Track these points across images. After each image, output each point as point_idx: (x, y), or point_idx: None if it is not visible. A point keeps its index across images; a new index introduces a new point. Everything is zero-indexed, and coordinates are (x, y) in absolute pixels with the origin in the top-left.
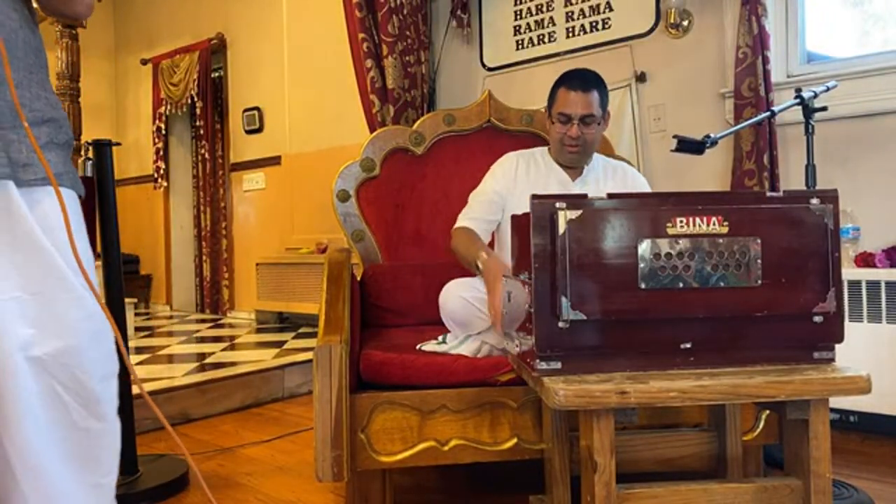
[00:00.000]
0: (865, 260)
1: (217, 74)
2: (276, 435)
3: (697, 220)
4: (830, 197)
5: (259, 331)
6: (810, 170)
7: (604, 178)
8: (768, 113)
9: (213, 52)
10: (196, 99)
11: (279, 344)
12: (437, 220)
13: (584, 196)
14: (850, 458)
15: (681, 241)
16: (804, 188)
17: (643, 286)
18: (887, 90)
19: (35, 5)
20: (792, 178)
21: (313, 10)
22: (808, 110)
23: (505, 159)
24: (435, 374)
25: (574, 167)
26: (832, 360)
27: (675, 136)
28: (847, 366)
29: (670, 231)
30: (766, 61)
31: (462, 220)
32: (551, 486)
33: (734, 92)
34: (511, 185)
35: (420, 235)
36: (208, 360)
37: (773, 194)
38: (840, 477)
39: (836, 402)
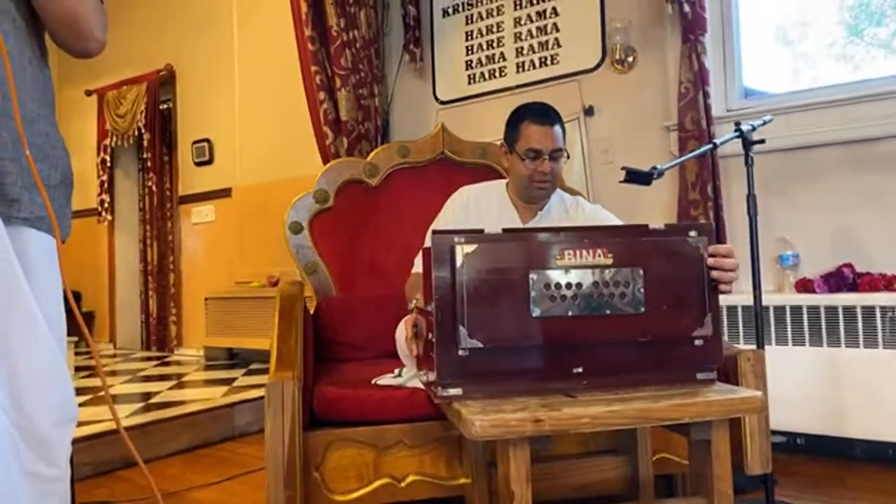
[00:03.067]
0: (805, 286)
1: (165, 106)
2: (226, 476)
3: (584, 252)
4: (706, 230)
5: (208, 368)
6: (751, 199)
7: (559, 221)
8: (710, 145)
9: (162, 84)
10: (143, 131)
11: (229, 381)
12: (392, 251)
13: (481, 231)
14: (798, 480)
15: (570, 273)
16: (746, 217)
17: (535, 314)
18: (816, 124)
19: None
20: (734, 207)
21: (265, 42)
22: (747, 143)
23: (457, 196)
24: (391, 409)
25: (531, 205)
26: (714, 380)
27: (623, 168)
28: (740, 388)
29: (559, 263)
30: (706, 96)
31: (418, 266)
32: None
33: (678, 125)
34: (462, 224)
35: (375, 267)
36: (153, 400)
37: (655, 227)
38: (788, 499)
39: (784, 424)
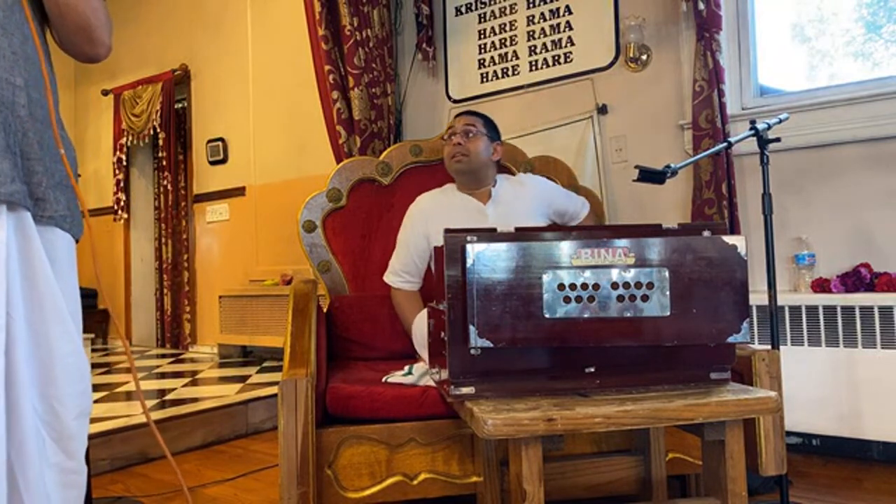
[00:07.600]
0: (821, 286)
1: (181, 105)
2: (240, 473)
3: (602, 251)
4: (720, 229)
5: (222, 365)
6: (766, 198)
7: (513, 196)
8: (725, 144)
9: (177, 83)
10: (159, 130)
11: (243, 378)
12: None
13: (494, 230)
14: (813, 482)
15: (586, 273)
16: (762, 216)
17: (548, 316)
18: (833, 122)
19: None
20: (749, 206)
21: (278, 42)
22: (763, 141)
23: (415, 203)
24: (403, 407)
25: (478, 189)
26: (728, 380)
27: (636, 167)
28: (753, 387)
29: (575, 262)
30: (721, 94)
31: (392, 277)
32: None
33: (692, 123)
34: (430, 221)
35: (387, 265)
36: (169, 397)
37: (669, 227)
38: (802, 501)
39: (799, 425)
